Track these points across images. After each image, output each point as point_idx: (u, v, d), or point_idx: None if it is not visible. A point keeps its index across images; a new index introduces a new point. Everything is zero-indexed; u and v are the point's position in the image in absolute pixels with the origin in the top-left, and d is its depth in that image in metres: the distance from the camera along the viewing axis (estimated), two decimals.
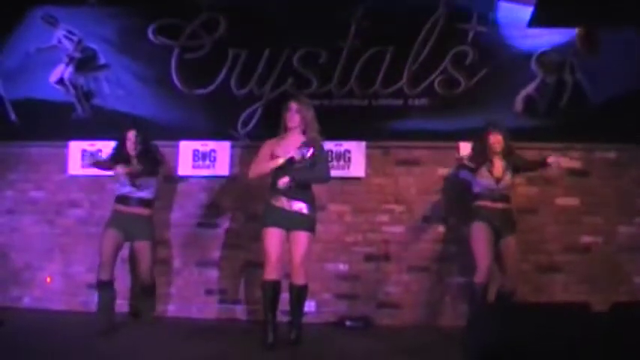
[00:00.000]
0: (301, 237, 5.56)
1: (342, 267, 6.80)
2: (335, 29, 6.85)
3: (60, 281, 7.08)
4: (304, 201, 5.60)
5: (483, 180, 5.88)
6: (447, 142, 6.71)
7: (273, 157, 5.63)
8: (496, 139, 5.88)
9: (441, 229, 6.77)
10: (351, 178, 6.81)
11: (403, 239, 6.78)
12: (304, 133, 5.67)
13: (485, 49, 6.71)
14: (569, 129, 6.56)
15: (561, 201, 6.66)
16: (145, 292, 6.34)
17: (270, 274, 5.51)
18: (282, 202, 5.56)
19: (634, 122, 6.45)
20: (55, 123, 7.13)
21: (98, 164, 6.35)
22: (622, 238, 6.60)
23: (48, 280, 7.06)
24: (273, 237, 5.54)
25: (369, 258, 6.80)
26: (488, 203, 5.84)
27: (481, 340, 4.26)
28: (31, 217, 7.21)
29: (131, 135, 6.11)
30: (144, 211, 6.14)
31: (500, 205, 5.83)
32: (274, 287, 5.52)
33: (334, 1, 6.87)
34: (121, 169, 5.97)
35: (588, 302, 4.86)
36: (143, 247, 6.16)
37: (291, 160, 5.53)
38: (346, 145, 6.80)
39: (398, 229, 6.80)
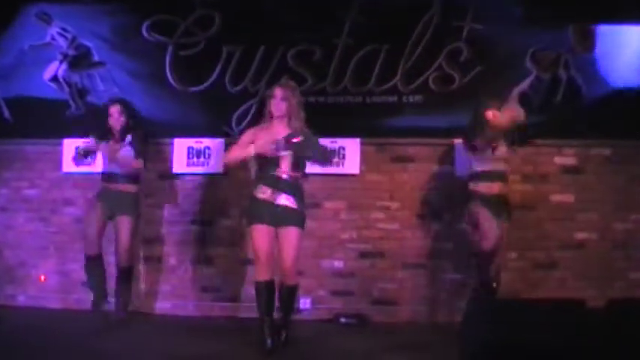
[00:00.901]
0: (290, 233, 5.24)
1: (337, 264, 6.80)
2: (330, 26, 6.84)
3: (55, 279, 7.06)
4: (291, 194, 5.26)
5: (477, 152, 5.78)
6: (442, 139, 6.72)
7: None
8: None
9: (436, 225, 6.77)
10: (346, 174, 6.80)
11: (398, 236, 6.78)
12: (289, 122, 5.35)
13: (479, 46, 6.71)
14: (563, 125, 6.57)
15: (556, 198, 6.67)
16: (121, 274, 6.18)
17: (262, 274, 5.25)
18: (267, 195, 5.23)
19: (629, 119, 6.47)
20: (49, 120, 7.09)
21: (85, 154, 6.18)
22: (617, 234, 6.62)
23: (42, 278, 7.04)
24: (260, 235, 5.23)
25: (364, 255, 6.80)
26: (484, 186, 5.74)
27: (477, 337, 4.26)
28: (25, 215, 7.19)
29: (114, 111, 6.15)
30: (130, 188, 6.13)
31: (496, 188, 5.73)
32: (267, 287, 5.26)
33: None
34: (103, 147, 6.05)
35: (584, 298, 4.88)
36: (123, 221, 6.08)
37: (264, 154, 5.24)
38: (341, 142, 6.79)
39: (393, 225, 6.80)
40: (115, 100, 6.36)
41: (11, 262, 7.13)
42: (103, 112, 6.29)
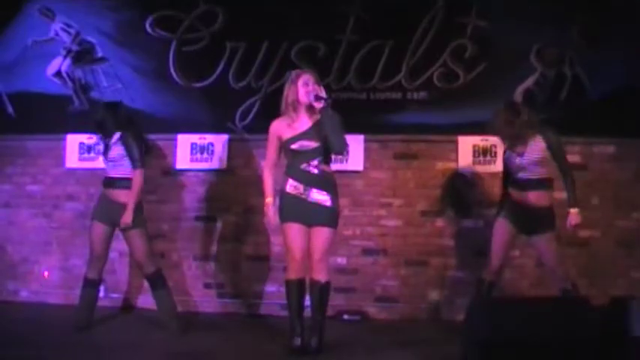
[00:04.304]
0: (322, 232, 5.05)
1: (340, 260, 6.79)
2: (334, 22, 6.83)
3: (57, 275, 7.07)
4: (325, 190, 5.06)
5: (511, 160, 5.51)
6: (446, 136, 6.71)
7: (281, 141, 5.10)
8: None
9: (439, 223, 6.76)
10: (350, 171, 6.77)
11: (401, 233, 6.77)
12: (313, 110, 5.06)
13: (484, 43, 6.69)
14: (568, 123, 6.52)
15: (559, 195, 6.61)
16: (150, 282, 5.90)
17: (295, 272, 5.07)
18: (300, 190, 5.02)
19: (633, 116, 6.45)
20: (53, 116, 7.11)
21: None
22: (620, 232, 6.59)
23: (45, 274, 7.05)
24: (294, 233, 5.04)
25: (366, 252, 6.80)
26: (515, 193, 5.52)
27: (479, 334, 4.26)
28: (28, 211, 7.20)
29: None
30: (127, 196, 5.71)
31: (530, 197, 5.44)
32: (300, 286, 5.10)
33: None
34: None
35: (587, 296, 4.86)
36: (131, 235, 5.75)
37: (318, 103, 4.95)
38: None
39: (396, 222, 6.79)
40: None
41: (14, 257, 7.14)
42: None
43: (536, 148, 5.42)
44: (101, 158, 5.99)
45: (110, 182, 5.78)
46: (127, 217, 5.62)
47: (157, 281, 5.89)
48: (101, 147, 5.93)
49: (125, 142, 5.70)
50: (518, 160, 5.45)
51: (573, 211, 5.48)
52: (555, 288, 5.57)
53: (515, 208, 5.52)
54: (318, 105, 4.99)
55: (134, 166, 5.69)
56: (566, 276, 5.53)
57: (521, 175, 5.48)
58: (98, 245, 5.79)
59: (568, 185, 5.51)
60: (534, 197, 5.46)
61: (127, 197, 5.68)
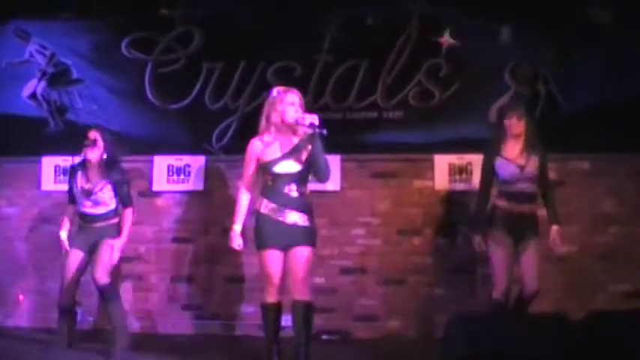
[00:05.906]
0: (303, 252, 4.88)
1: (319, 280, 6.75)
2: (309, 43, 6.86)
3: (33, 298, 6.99)
4: (303, 211, 4.92)
5: (506, 169, 5.60)
6: (422, 155, 6.75)
7: (260, 163, 4.93)
8: (511, 123, 5.61)
9: (417, 241, 6.77)
10: (327, 191, 6.74)
11: (379, 252, 6.77)
12: (295, 131, 4.91)
13: (458, 62, 6.74)
14: (543, 140, 6.58)
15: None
16: (104, 295, 5.66)
17: (272, 296, 4.97)
18: (276, 212, 4.85)
19: (607, 132, 6.50)
20: (28, 138, 7.06)
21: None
22: (597, 247, 6.64)
23: (20, 298, 6.98)
24: (272, 260, 4.88)
25: (345, 271, 6.79)
26: (507, 204, 5.61)
27: (457, 351, 4.26)
28: (3, 234, 7.12)
29: (93, 134, 5.82)
30: (111, 222, 5.78)
31: (523, 209, 5.59)
32: (277, 309, 5.02)
33: (308, 15, 6.87)
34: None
35: (564, 311, 4.89)
36: (103, 244, 5.66)
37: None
38: None
39: (374, 241, 6.79)
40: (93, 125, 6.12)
41: None
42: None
43: (534, 164, 5.59)
44: (74, 197, 5.93)
45: (97, 218, 5.79)
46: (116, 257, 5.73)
47: (112, 294, 5.71)
48: (77, 188, 5.83)
49: (119, 185, 5.80)
50: (518, 172, 5.56)
51: (556, 227, 5.69)
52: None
53: (507, 219, 5.60)
54: (309, 131, 4.78)
55: (128, 204, 5.84)
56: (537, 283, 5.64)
57: (518, 187, 5.58)
58: (71, 273, 5.75)
59: (553, 203, 5.76)
60: (528, 208, 5.62)
61: (113, 221, 5.81)
